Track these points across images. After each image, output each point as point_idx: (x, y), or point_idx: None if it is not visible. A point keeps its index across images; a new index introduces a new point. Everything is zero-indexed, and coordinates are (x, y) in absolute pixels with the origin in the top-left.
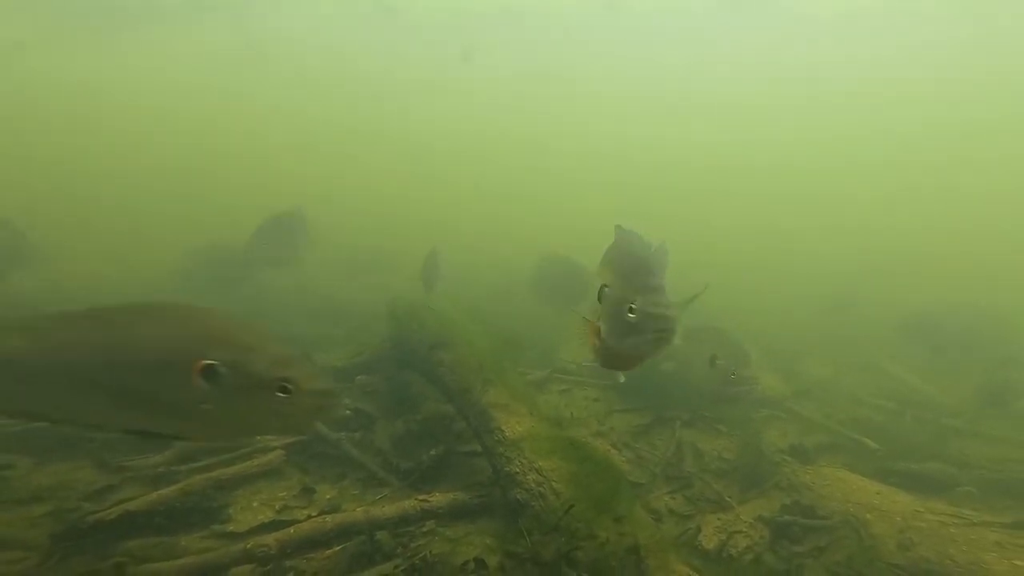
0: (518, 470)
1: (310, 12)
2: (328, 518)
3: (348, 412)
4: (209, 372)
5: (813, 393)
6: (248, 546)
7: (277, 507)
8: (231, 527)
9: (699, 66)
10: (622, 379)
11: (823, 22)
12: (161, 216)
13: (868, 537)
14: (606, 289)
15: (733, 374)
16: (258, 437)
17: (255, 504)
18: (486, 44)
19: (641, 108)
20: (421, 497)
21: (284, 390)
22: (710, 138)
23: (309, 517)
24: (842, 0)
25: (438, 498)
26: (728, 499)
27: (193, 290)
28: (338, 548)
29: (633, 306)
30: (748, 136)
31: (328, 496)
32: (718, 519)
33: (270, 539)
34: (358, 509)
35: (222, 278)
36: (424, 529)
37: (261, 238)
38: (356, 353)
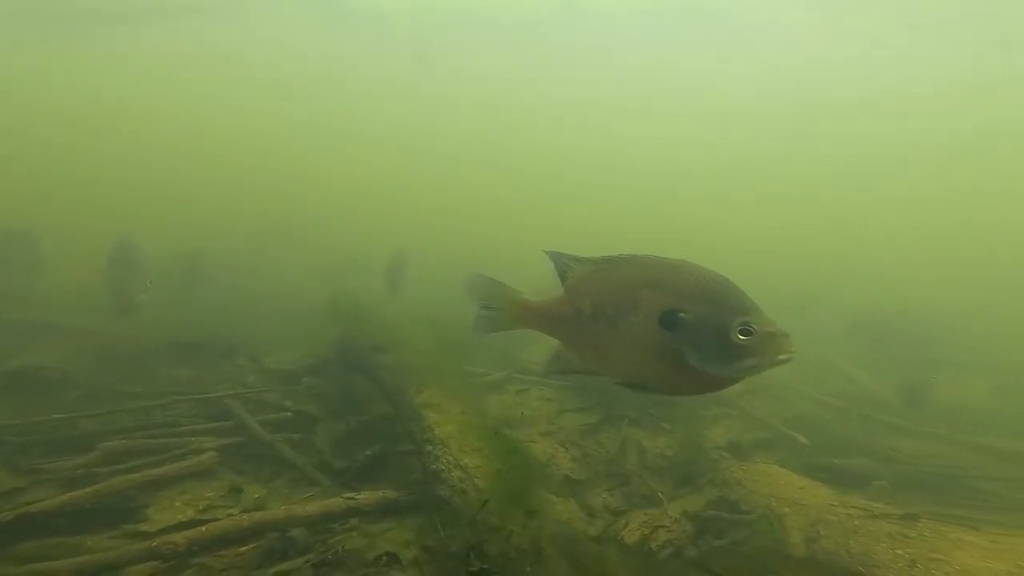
0: (443, 467)
1: (275, 16)
2: (246, 516)
3: (288, 414)
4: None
5: (763, 391)
6: (153, 544)
7: (201, 507)
8: (144, 527)
9: (657, 71)
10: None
11: (773, 32)
12: (130, 220)
13: (780, 530)
14: (682, 314)
15: None
16: (192, 438)
17: (177, 504)
18: (459, 49)
19: (604, 111)
20: (348, 495)
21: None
22: (674, 139)
23: (229, 516)
24: (791, 13)
25: (366, 496)
26: (660, 495)
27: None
28: (252, 545)
29: (749, 327)
30: (711, 138)
31: (256, 495)
32: (645, 515)
33: (179, 537)
34: (280, 507)
35: (190, 283)
36: (347, 526)
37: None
38: (306, 355)
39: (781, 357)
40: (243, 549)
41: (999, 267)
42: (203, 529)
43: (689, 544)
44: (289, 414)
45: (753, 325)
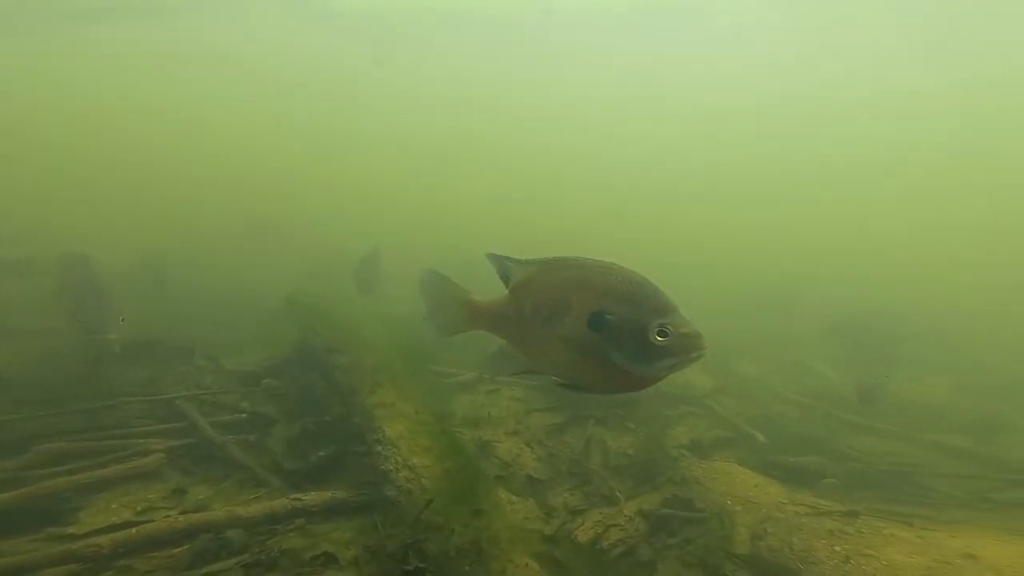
0: (392, 467)
1: (243, 15)
2: (182, 517)
3: (244, 415)
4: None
5: (732, 390)
6: (75, 547)
7: (139, 508)
8: (71, 529)
9: (633, 69)
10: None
11: (740, 31)
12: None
13: (730, 527)
14: (608, 316)
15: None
16: (139, 440)
17: (114, 506)
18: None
19: (580, 109)
20: (294, 496)
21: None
22: (652, 138)
23: (165, 518)
24: (755, 13)
25: (313, 497)
26: (618, 494)
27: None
28: (186, 547)
29: (665, 328)
30: (690, 137)
31: (201, 497)
32: (600, 514)
33: (104, 539)
34: (220, 509)
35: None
36: (291, 527)
37: None
38: (268, 357)
39: (693, 356)
40: (176, 551)
41: (970, 268)
42: (133, 531)
43: (643, 542)
44: (244, 415)
45: (669, 326)
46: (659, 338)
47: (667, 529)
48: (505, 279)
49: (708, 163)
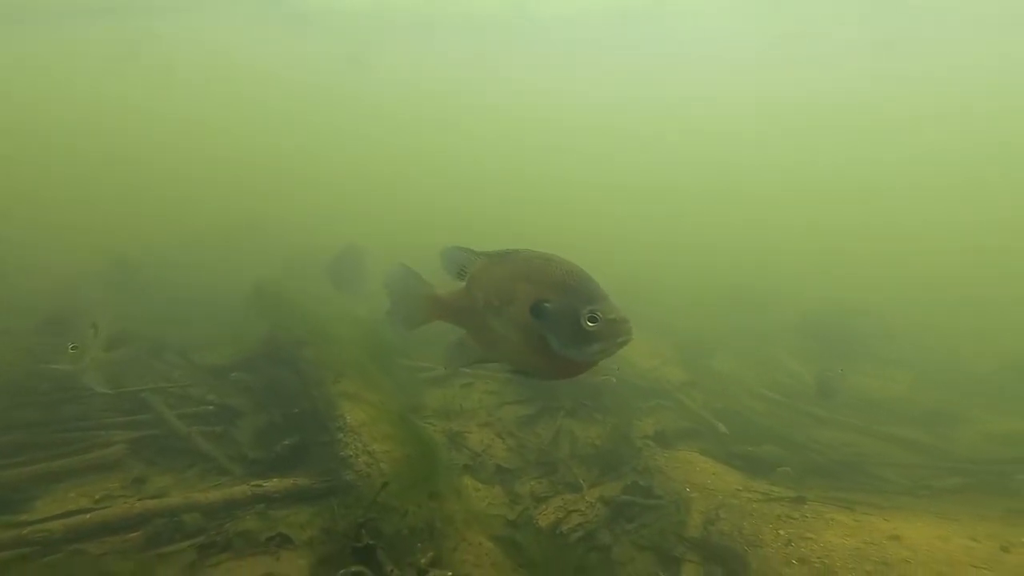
0: (352, 453)
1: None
2: (138, 503)
3: (211, 407)
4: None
5: (704, 384)
6: (24, 532)
7: (97, 497)
8: (24, 516)
9: (605, 72)
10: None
11: (712, 35)
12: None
13: (685, 513)
14: (547, 304)
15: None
16: (101, 431)
17: (72, 495)
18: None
19: (555, 111)
20: (255, 483)
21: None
22: (628, 137)
23: (123, 504)
24: (724, 27)
25: (274, 484)
26: (582, 482)
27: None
28: (141, 531)
29: (594, 314)
30: (666, 136)
31: (161, 485)
32: (563, 500)
33: (57, 525)
34: (178, 495)
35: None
36: (252, 512)
37: None
38: (238, 351)
39: (620, 340)
40: (131, 536)
41: (937, 267)
42: (87, 517)
43: (602, 527)
44: (211, 407)
45: (599, 312)
46: (589, 324)
47: (626, 515)
48: (462, 272)
49: (686, 163)
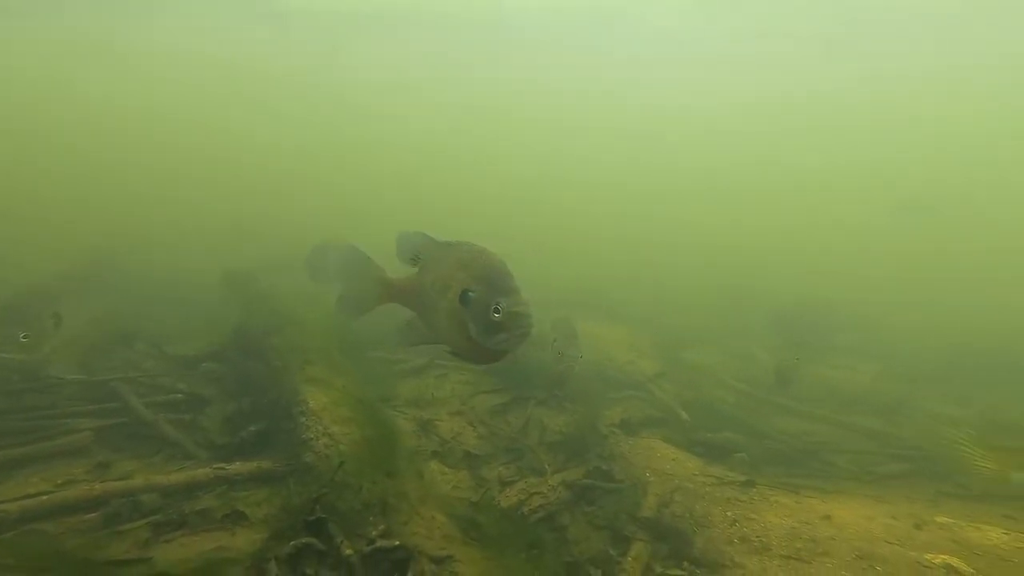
0: (312, 436)
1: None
2: (98, 485)
3: (180, 396)
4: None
5: (677, 376)
6: None
7: (60, 481)
8: None
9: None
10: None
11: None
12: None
13: (642, 496)
14: (471, 293)
15: (560, 354)
16: (68, 419)
17: (34, 480)
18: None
19: (521, 116)
20: (217, 465)
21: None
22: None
23: (81, 486)
24: (697, 23)
25: (237, 466)
26: (547, 467)
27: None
28: (97, 512)
29: (499, 307)
30: (640, 135)
31: (126, 470)
32: (526, 483)
33: (12, 506)
34: (139, 478)
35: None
36: (213, 493)
37: None
38: (211, 342)
39: (518, 333)
40: (89, 516)
41: (906, 263)
42: (44, 498)
43: (564, 510)
44: (180, 396)
45: (503, 305)
46: (495, 315)
47: (587, 498)
48: (415, 258)
49: (662, 164)
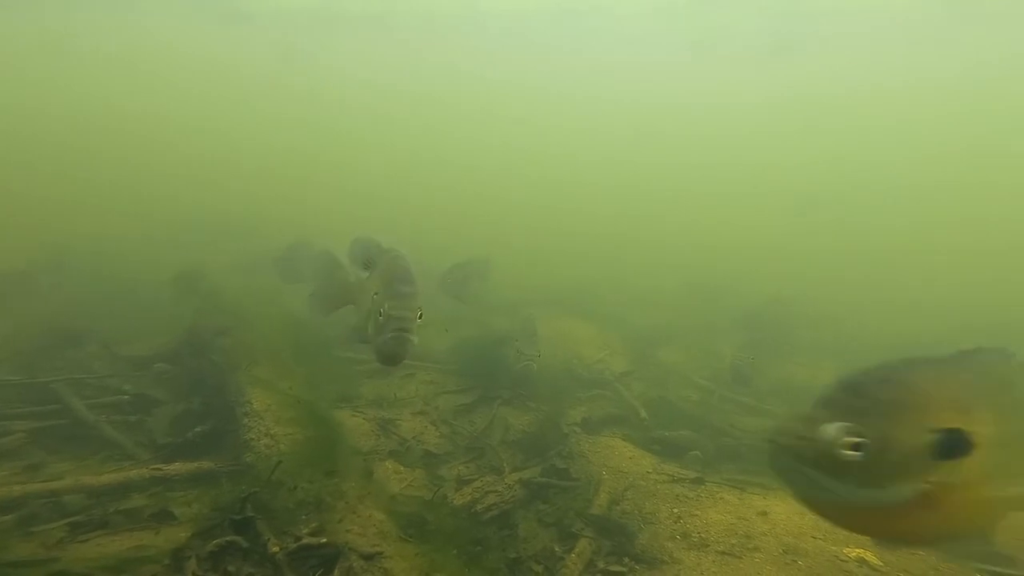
0: (254, 436)
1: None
2: (18, 486)
3: (126, 397)
4: None
5: (646, 375)
6: None
7: None
8: None
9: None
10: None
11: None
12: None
13: (595, 494)
14: (375, 295)
15: (519, 352)
16: (3, 422)
17: None
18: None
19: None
20: (155, 466)
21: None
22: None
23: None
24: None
25: (177, 467)
26: (504, 465)
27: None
28: (14, 514)
29: (382, 309)
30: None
31: (59, 471)
32: (482, 482)
33: None
34: (68, 479)
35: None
36: (147, 493)
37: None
38: (164, 343)
39: (390, 335)
40: (4, 518)
41: (874, 264)
42: None
43: (518, 508)
44: (127, 397)
45: (386, 309)
46: (379, 316)
47: (542, 496)
48: (367, 262)
49: (639, 163)
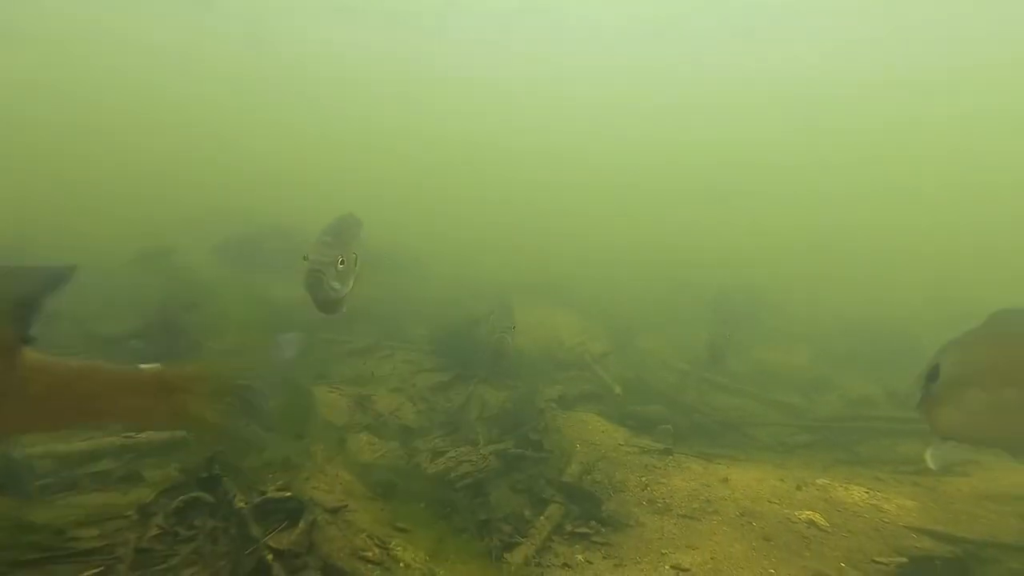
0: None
1: None
2: None
3: None
4: None
5: (621, 357)
6: None
7: None
8: None
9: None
10: None
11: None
12: None
13: (566, 464)
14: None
15: (494, 325)
16: None
17: None
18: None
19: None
20: (126, 435)
21: None
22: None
23: None
24: (624, 10)
25: (148, 436)
26: (480, 438)
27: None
28: None
29: (303, 258)
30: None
31: (30, 440)
32: (457, 452)
33: None
34: (38, 447)
35: None
36: (120, 461)
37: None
38: (141, 321)
39: (309, 282)
40: None
41: (847, 256)
42: None
43: (491, 477)
44: None
45: (309, 256)
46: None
47: (516, 467)
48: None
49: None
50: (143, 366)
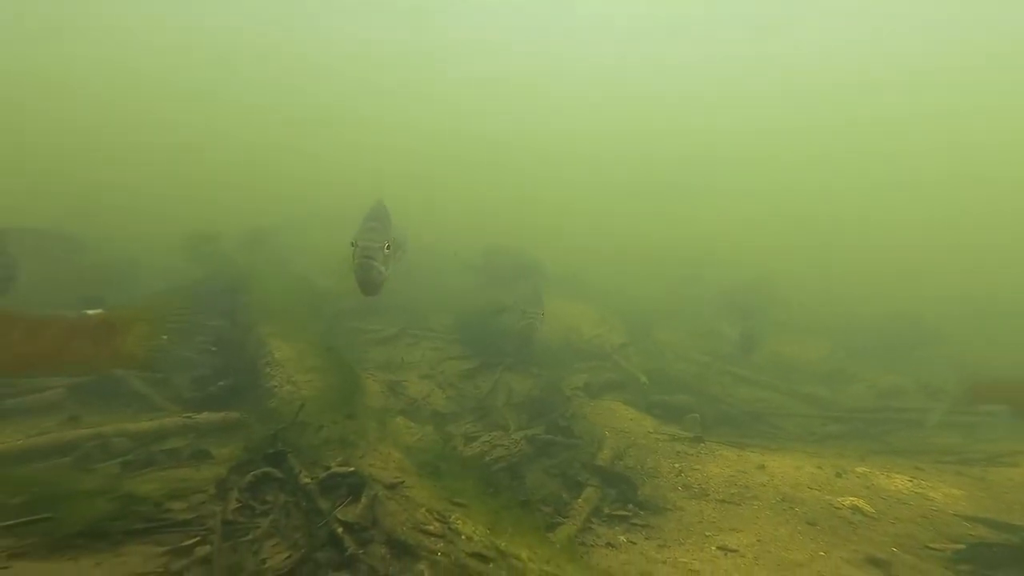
0: (277, 384)
1: None
2: (69, 432)
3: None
4: None
5: (641, 348)
6: None
7: (32, 433)
8: None
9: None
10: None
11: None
12: None
13: (598, 450)
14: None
15: (522, 311)
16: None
17: (8, 431)
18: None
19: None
20: (187, 415)
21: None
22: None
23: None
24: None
25: (206, 416)
26: (510, 424)
27: None
28: (69, 457)
29: (352, 243)
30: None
31: (96, 421)
32: (490, 437)
33: None
34: (110, 426)
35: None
36: (186, 439)
37: None
38: (185, 303)
39: (358, 264)
40: (62, 460)
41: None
42: (18, 442)
43: (524, 461)
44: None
45: (355, 241)
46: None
47: (548, 452)
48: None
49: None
50: (88, 311)
